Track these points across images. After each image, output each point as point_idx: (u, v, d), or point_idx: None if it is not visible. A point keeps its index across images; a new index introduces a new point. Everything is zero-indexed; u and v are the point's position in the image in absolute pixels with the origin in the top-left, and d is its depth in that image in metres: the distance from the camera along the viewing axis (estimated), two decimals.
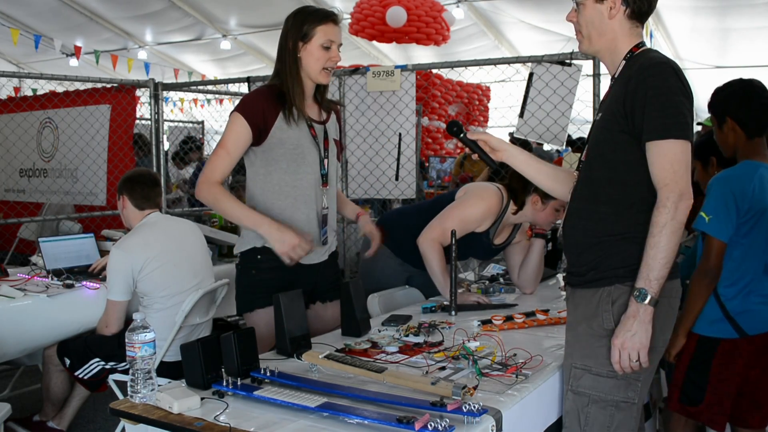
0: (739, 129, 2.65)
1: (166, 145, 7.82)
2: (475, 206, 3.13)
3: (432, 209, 3.23)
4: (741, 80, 2.72)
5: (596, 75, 3.92)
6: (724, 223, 2.52)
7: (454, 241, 2.87)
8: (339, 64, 2.75)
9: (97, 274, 3.70)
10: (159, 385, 1.84)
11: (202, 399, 1.79)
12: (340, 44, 2.67)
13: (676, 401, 2.69)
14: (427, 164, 8.26)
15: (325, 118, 2.76)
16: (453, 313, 2.84)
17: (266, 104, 2.59)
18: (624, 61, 2.05)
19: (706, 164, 2.95)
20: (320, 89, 2.73)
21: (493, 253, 3.37)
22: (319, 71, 2.62)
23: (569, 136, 4.98)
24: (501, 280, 3.55)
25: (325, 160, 2.70)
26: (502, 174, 4.02)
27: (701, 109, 3.75)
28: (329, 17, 2.62)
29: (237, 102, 2.69)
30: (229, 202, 2.57)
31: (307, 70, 2.62)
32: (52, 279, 3.62)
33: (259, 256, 2.67)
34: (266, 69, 13.24)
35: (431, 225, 3.08)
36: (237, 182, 8.45)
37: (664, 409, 2.90)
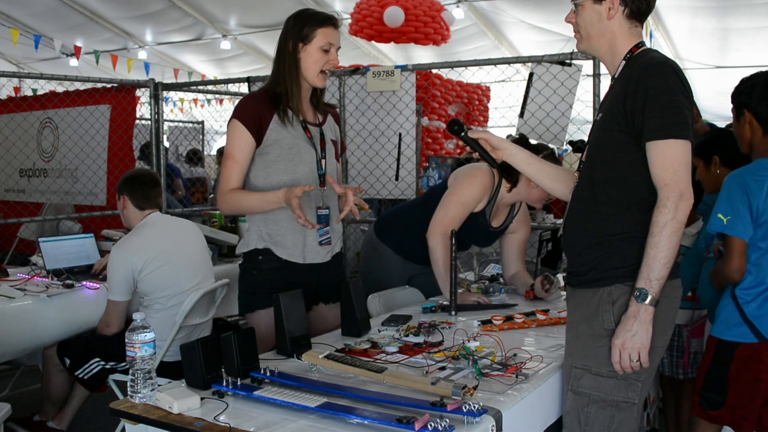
0: (756, 123, 2.61)
1: (166, 145, 7.82)
2: (470, 186, 3.14)
3: (427, 202, 3.25)
4: (766, 73, 2.66)
5: (596, 75, 3.92)
6: (743, 222, 2.46)
7: (453, 242, 2.87)
8: (339, 64, 2.75)
9: (98, 275, 3.71)
10: (159, 385, 1.84)
11: (202, 399, 1.79)
12: (339, 48, 2.68)
13: (697, 406, 2.64)
14: (425, 164, 8.26)
15: (321, 121, 2.76)
16: (453, 313, 2.84)
17: (260, 106, 2.61)
18: (624, 62, 2.05)
19: (709, 163, 2.93)
20: (317, 92, 2.75)
21: (492, 238, 3.37)
22: (316, 74, 2.64)
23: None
24: (501, 280, 3.55)
25: (323, 161, 2.71)
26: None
27: (702, 109, 3.75)
28: (329, 20, 2.65)
29: (236, 103, 2.70)
30: (245, 198, 2.61)
31: (305, 71, 2.64)
32: (52, 279, 3.62)
33: (260, 257, 2.68)
34: (266, 69, 13.14)
35: (436, 219, 3.09)
36: None
37: (689, 415, 2.87)
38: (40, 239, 3.90)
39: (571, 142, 7.82)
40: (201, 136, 10.14)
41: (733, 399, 2.54)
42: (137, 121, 6.19)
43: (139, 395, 1.79)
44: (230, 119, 2.63)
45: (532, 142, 4.18)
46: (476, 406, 1.64)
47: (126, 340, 1.79)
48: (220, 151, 9.46)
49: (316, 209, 2.69)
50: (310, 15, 2.67)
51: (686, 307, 3.06)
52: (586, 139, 2.40)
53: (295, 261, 2.68)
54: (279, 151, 2.62)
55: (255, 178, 2.67)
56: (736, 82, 2.77)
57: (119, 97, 5.62)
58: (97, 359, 3.28)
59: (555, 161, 3.28)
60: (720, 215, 2.50)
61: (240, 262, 2.80)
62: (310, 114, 2.73)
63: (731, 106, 2.73)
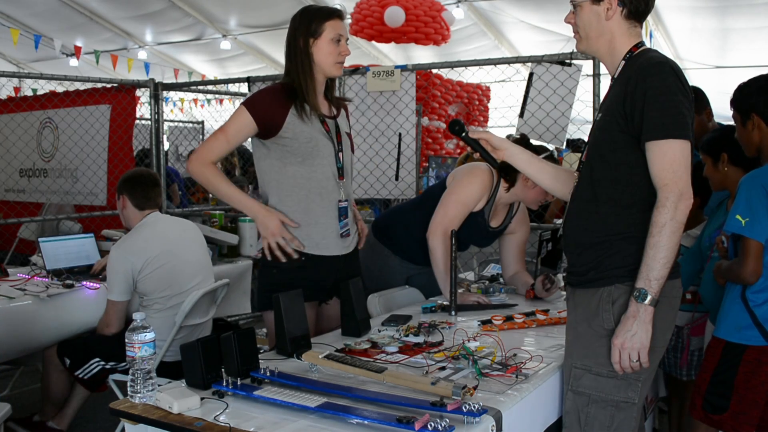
0: (765, 126, 2.59)
1: (166, 145, 7.81)
2: (469, 185, 3.14)
3: (425, 202, 3.26)
4: (767, 76, 2.66)
5: (596, 75, 3.92)
6: (761, 224, 2.45)
7: (453, 242, 2.87)
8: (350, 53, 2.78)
9: (98, 275, 3.71)
10: (159, 385, 1.84)
11: (202, 399, 1.79)
12: (348, 38, 2.74)
13: (699, 409, 2.62)
14: (425, 164, 8.26)
15: (335, 114, 2.80)
16: (453, 313, 2.84)
17: (276, 102, 2.64)
18: (623, 62, 2.05)
19: (717, 160, 2.90)
20: (329, 86, 2.78)
21: (491, 238, 3.37)
22: (332, 65, 2.69)
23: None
24: (501, 280, 3.55)
25: (340, 154, 2.73)
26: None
27: None
28: (335, 13, 2.71)
29: (237, 102, 2.72)
30: (223, 184, 2.70)
31: (320, 65, 2.68)
32: (52, 279, 3.62)
33: None
34: (266, 69, 13.24)
35: (436, 219, 3.09)
36: (236, 182, 8.46)
37: (686, 415, 2.85)
38: (40, 239, 3.90)
39: (569, 141, 7.82)
40: (201, 136, 10.12)
41: (736, 405, 2.53)
42: (137, 121, 6.19)
43: (139, 395, 1.79)
44: (242, 104, 2.66)
45: (534, 142, 4.18)
46: (476, 406, 1.64)
47: (126, 340, 1.79)
48: None
49: (336, 201, 2.71)
50: (316, 10, 2.73)
51: (686, 309, 3.06)
52: (585, 139, 2.40)
53: (320, 254, 2.69)
54: (297, 144, 2.64)
55: (269, 168, 2.69)
56: (736, 82, 2.75)
57: (119, 97, 5.62)
58: (97, 359, 3.28)
59: (554, 162, 3.29)
60: (738, 216, 2.48)
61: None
62: (325, 107, 2.77)
63: (732, 111, 2.71)
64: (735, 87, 2.75)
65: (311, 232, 2.69)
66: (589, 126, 2.29)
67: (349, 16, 9.94)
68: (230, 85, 7.28)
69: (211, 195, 8.48)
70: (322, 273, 2.72)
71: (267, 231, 2.62)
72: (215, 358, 1.91)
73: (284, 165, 2.65)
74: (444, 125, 8.80)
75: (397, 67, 4.72)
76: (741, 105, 2.67)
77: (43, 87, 6.98)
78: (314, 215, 2.68)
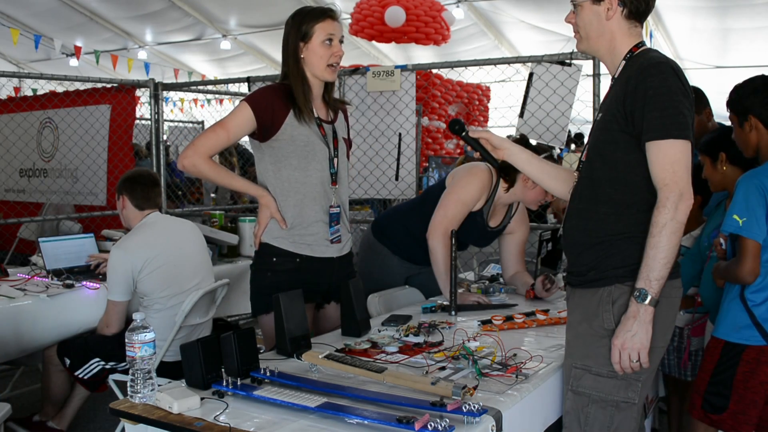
0: (762, 127, 2.60)
1: (168, 144, 7.81)
2: (469, 185, 3.14)
3: (424, 202, 3.26)
4: (763, 76, 2.66)
5: (596, 75, 3.92)
6: (759, 224, 2.45)
7: (453, 242, 2.87)
8: (343, 53, 2.75)
9: (95, 270, 3.70)
10: (159, 385, 1.84)
11: (202, 399, 1.79)
12: (342, 39, 2.68)
13: (699, 408, 2.62)
14: (425, 164, 8.27)
15: (333, 118, 2.77)
16: (453, 313, 2.84)
17: (277, 102, 2.61)
18: (624, 62, 2.05)
19: (715, 160, 2.89)
20: (328, 88, 2.75)
21: (490, 238, 3.37)
22: (324, 68, 2.64)
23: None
24: (501, 280, 3.55)
25: (335, 159, 2.72)
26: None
27: None
28: (326, 13, 2.65)
29: (237, 102, 2.71)
30: (222, 172, 2.71)
31: (312, 69, 2.65)
32: (52, 279, 3.62)
33: (274, 259, 2.68)
34: (266, 69, 13.25)
35: (435, 219, 3.09)
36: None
37: (686, 415, 2.84)
38: (40, 239, 3.90)
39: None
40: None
41: (736, 404, 2.53)
42: (137, 121, 6.19)
43: (139, 395, 1.79)
44: (243, 100, 2.63)
45: (532, 142, 4.18)
46: (476, 406, 1.64)
47: (126, 340, 1.79)
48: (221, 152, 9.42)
49: (328, 207, 2.70)
50: (306, 12, 2.67)
51: (687, 311, 3.06)
52: (585, 138, 2.40)
53: (312, 255, 2.68)
54: (293, 147, 2.62)
55: (265, 171, 2.68)
56: (736, 82, 2.75)
57: (119, 97, 5.62)
58: (97, 359, 3.28)
59: (553, 162, 3.29)
60: (735, 216, 2.48)
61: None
62: (323, 111, 2.74)
63: (729, 113, 2.72)
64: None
65: (304, 234, 2.68)
66: (589, 126, 2.29)
67: (349, 16, 9.95)
68: (230, 85, 7.28)
69: (213, 195, 8.49)
70: (315, 275, 2.71)
71: (271, 206, 2.64)
72: (215, 358, 1.91)
73: (278, 169, 2.64)
74: (444, 125, 8.80)
75: (397, 67, 4.72)
76: (737, 106, 2.67)
77: (43, 87, 6.99)
78: (307, 219, 2.67)
